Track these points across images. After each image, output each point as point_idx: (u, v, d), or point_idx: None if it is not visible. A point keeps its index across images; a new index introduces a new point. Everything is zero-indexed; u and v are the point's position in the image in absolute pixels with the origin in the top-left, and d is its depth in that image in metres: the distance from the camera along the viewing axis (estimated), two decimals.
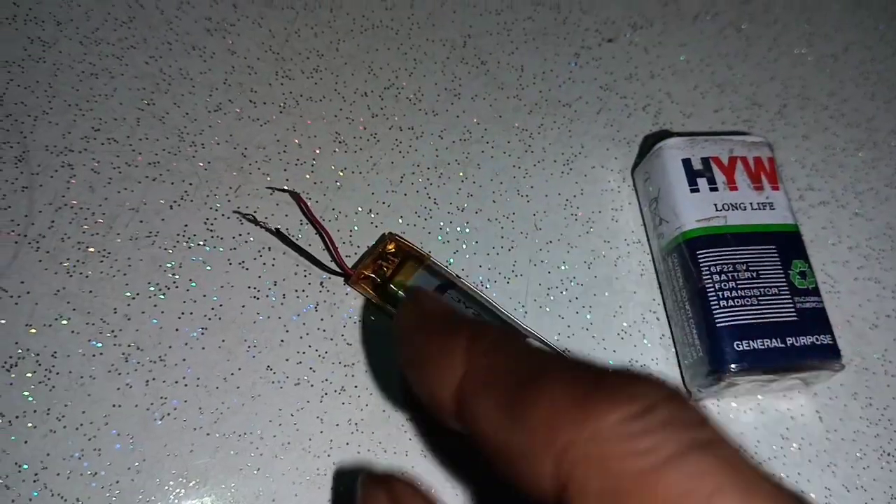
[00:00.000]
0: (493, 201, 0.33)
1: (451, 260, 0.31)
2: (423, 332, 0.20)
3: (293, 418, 0.27)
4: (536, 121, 0.35)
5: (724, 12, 0.40)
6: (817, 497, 0.30)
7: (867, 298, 0.35)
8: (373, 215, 0.31)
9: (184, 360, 0.27)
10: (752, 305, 0.29)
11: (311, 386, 0.28)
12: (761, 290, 0.29)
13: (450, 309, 0.21)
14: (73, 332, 0.27)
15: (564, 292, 0.31)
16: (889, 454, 0.32)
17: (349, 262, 0.30)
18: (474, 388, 0.17)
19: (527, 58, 0.36)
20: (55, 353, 0.26)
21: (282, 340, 0.28)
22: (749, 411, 0.31)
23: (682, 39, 0.39)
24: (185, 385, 0.27)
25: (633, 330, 0.31)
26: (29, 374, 0.26)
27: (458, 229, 0.32)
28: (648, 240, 0.33)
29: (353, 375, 0.28)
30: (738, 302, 0.28)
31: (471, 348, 0.18)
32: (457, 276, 0.30)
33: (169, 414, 0.26)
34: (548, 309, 0.31)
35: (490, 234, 0.32)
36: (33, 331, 0.27)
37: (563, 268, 0.32)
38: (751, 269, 0.29)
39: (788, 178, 0.36)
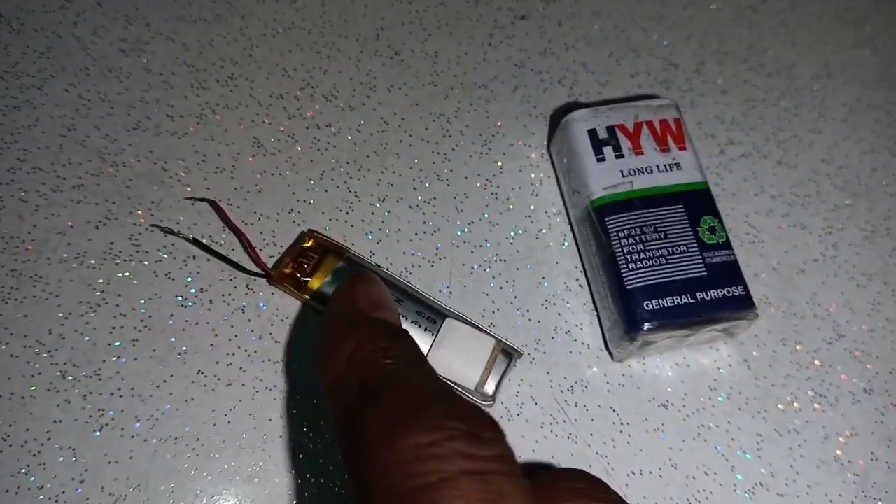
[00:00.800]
0: (414, 188, 0.34)
1: (374, 252, 0.32)
2: (331, 325, 0.23)
3: (226, 418, 0.28)
4: (453, 105, 0.36)
5: None
6: (748, 444, 0.31)
7: (793, 245, 0.35)
8: (294, 214, 0.32)
9: (117, 372, 0.28)
10: (661, 265, 0.29)
11: (243, 385, 0.29)
12: (669, 249, 0.30)
13: (377, 297, 0.24)
14: (11, 355, 0.28)
15: (488, 269, 0.32)
16: (821, 395, 0.32)
17: (270, 264, 0.31)
18: (339, 389, 0.21)
19: (440, 44, 0.37)
20: None
21: (211, 345, 0.29)
22: (675, 366, 0.32)
23: (596, 8, 0.39)
24: (121, 396, 0.28)
25: (556, 299, 0.32)
26: None
27: (381, 220, 0.33)
28: (567, 210, 0.34)
29: (282, 371, 0.29)
30: (646, 263, 0.29)
31: (352, 355, 0.21)
32: (377, 265, 0.31)
33: (107, 425, 0.28)
34: (471, 286, 0.32)
35: (413, 221, 0.33)
36: None
37: (486, 245, 0.33)
38: (658, 229, 0.30)
39: (708, 135, 0.37)
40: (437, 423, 0.18)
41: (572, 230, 0.34)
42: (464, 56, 0.37)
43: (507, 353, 0.30)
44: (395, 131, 0.35)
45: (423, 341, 0.29)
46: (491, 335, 0.29)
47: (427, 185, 0.34)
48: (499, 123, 0.36)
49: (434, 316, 0.30)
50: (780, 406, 0.32)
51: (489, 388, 0.29)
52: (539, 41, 0.38)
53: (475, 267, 0.33)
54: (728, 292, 0.30)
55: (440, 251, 0.33)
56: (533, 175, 0.35)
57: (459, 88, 0.36)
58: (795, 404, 0.32)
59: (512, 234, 0.33)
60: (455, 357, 0.29)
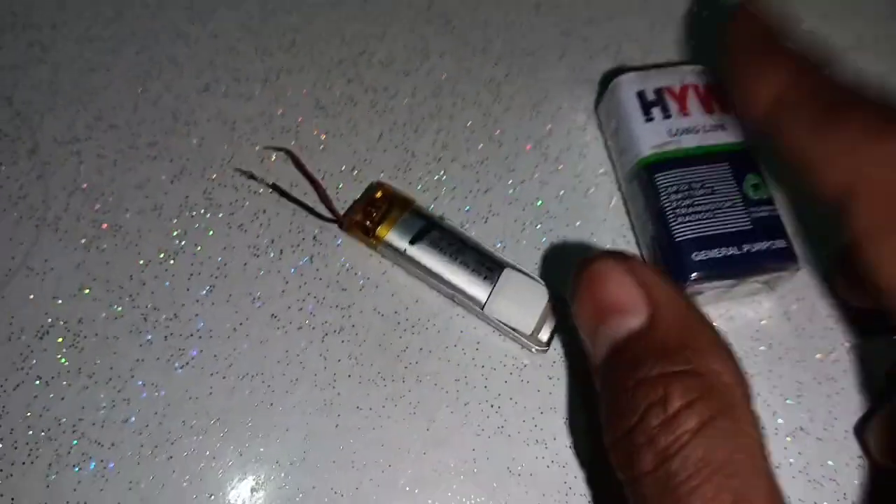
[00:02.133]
0: (467, 150, 0.35)
1: (432, 207, 0.34)
2: (754, 46, 0.24)
3: (299, 357, 0.30)
4: (503, 71, 0.37)
5: None
6: (788, 390, 0.32)
7: None
8: (356, 172, 0.34)
9: (196, 315, 0.30)
10: (708, 219, 0.31)
11: (313, 329, 0.31)
12: (716, 203, 0.31)
13: (777, 31, 0.25)
14: (94, 299, 0.30)
15: (539, 226, 0.34)
16: (858, 346, 0.34)
17: (339, 212, 0.33)
18: (792, 101, 0.21)
19: (490, 12, 0.39)
20: (81, 319, 0.30)
21: (283, 291, 0.31)
22: (719, 318, 0.33)
23: None
24: (200, 337, 0.30)
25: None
26: (60, 340, 0.29)
27: (436, 178, 0.35)
28: (615, 170, 0.35)
29: (349, 316, 0.31)
30: (694, 217, 0.31)
31: (795, 69, 0.22)
32: (440, 216, 0.33)
33: (187, 363, 0.29)
34: (524, 242, 0.34)
35: (466, 180, 0.35)
36: (60, 302, 0.30)
37: (537, 204, 0.35)
38: (706, 186, 0.31)
39: None
40: None
41: (620, 189, 0.35)
42: (512, 24, 0.39)
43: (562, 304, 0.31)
44: (449, 95, 0.36)
45: (482, 289, 0.31)
46: (545, 286, 0.31)
47: (480, 146, 0.35)
48: (547, 89, 0.37)
49: (493, 265, 0.31)
50: (818, 356, 0.33)
51: (544, 335, 0.31)
52: (585, 10, 0.39)
53: (527, 223, 0.34)
54: (772, 245, 0.31)
55: (493, 208, 0.34)
56: (580, 137, 0.36)
57: (508, 55, 0.38)
58: (832, 355, 0.34)
59: (561, 192, 0.35)
60: (513, 305, 0.31)
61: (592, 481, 0.30)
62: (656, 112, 0.33)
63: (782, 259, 0.31)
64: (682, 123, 0.33)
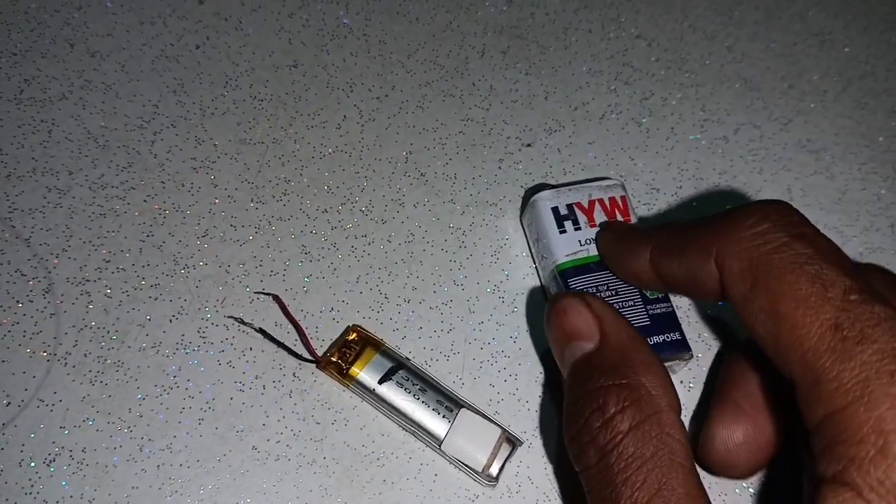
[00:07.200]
0: (434, 292, 0.40)
1: (400, 346, 0.38)
2: (622, 242, 0.35)
3: (275, 488, 0.34)
4: (468, 220, 0.42)
5: (627, 110, 0.48)
6: None
7: None
8: (334, 312, 0.39)
9: (186, 446, 0.34)
10: None
11: (289, 460, 0.35)
12: (619, 303, 0.36)
13: (633, 226, 0.38)
14: (97, 430, 0.34)
15: (494, 364, 0.38)
16: None
17: (318, 352, 0.37)
18: (657, 257, 0.31)
19: (459, 167, 0.44)
20: (84, 448, 0.34)
21: (263, 424, 0.35)
22: None
23: (590, 138, 0.46)
24: (188, 467, 0.34)
25: (554, 392, 0.38)
26: (65, 467, 0.33)
27: (406, 318, 0.39)
28: (538, 271, 0.41)
29: (321, 448, 0.35)
30: None
31: (651, 243, 0.31)
32: (406, 357, 0.37)
33: (176, 491, 0.33)
34: (481, 379, 0.38)
35: (432, 321, 0.39)
36: (66, 432, 0.34)
37: (492, 343, 0.39)
38: (610, 288, 0.36)
39: None
40: (755, 211, 0.26)
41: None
42: (478, 178, 0.44)
43: (511, 441, 0.36)
44: (420, 242, 0.41)
45: (441, 427, 0.35)
46: (498, 425, 0.35)
47: (445, 289, 0.40)
48: (507, 237, 0.42)
49: (452, 405, 0.36)
50: None
51: (494, 470, 0.35)
52: (542, 166, 0.45)
53: (483, 362, 0.39)
54: (668, 337, 0.36)
55: (454, 347, 0.39)
56: (534, 283, 0.41)
57: (474, 205, 0.43)
58: None
59: (516, 333, 0.39)
60: (466, 442, 0.35)
61: None
62: (568, 225, 0.38)
63: (677, 349, 0.36)
64: (590, 233, 0.38)
